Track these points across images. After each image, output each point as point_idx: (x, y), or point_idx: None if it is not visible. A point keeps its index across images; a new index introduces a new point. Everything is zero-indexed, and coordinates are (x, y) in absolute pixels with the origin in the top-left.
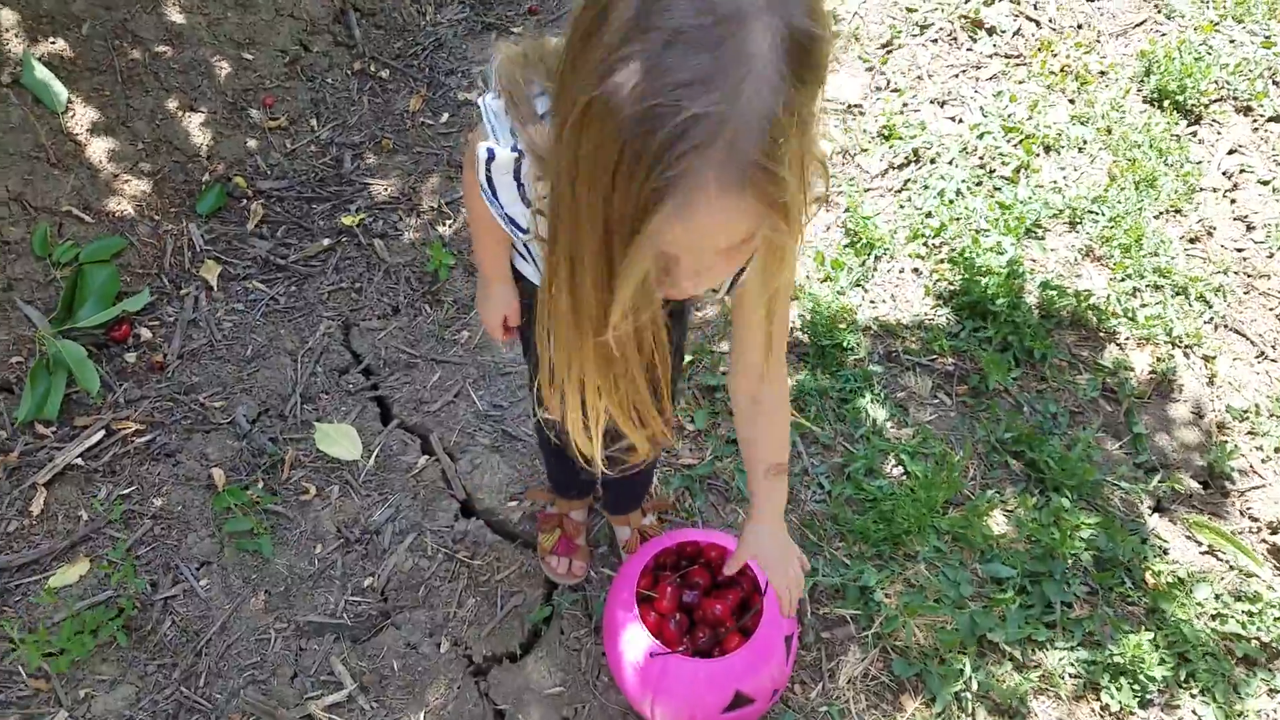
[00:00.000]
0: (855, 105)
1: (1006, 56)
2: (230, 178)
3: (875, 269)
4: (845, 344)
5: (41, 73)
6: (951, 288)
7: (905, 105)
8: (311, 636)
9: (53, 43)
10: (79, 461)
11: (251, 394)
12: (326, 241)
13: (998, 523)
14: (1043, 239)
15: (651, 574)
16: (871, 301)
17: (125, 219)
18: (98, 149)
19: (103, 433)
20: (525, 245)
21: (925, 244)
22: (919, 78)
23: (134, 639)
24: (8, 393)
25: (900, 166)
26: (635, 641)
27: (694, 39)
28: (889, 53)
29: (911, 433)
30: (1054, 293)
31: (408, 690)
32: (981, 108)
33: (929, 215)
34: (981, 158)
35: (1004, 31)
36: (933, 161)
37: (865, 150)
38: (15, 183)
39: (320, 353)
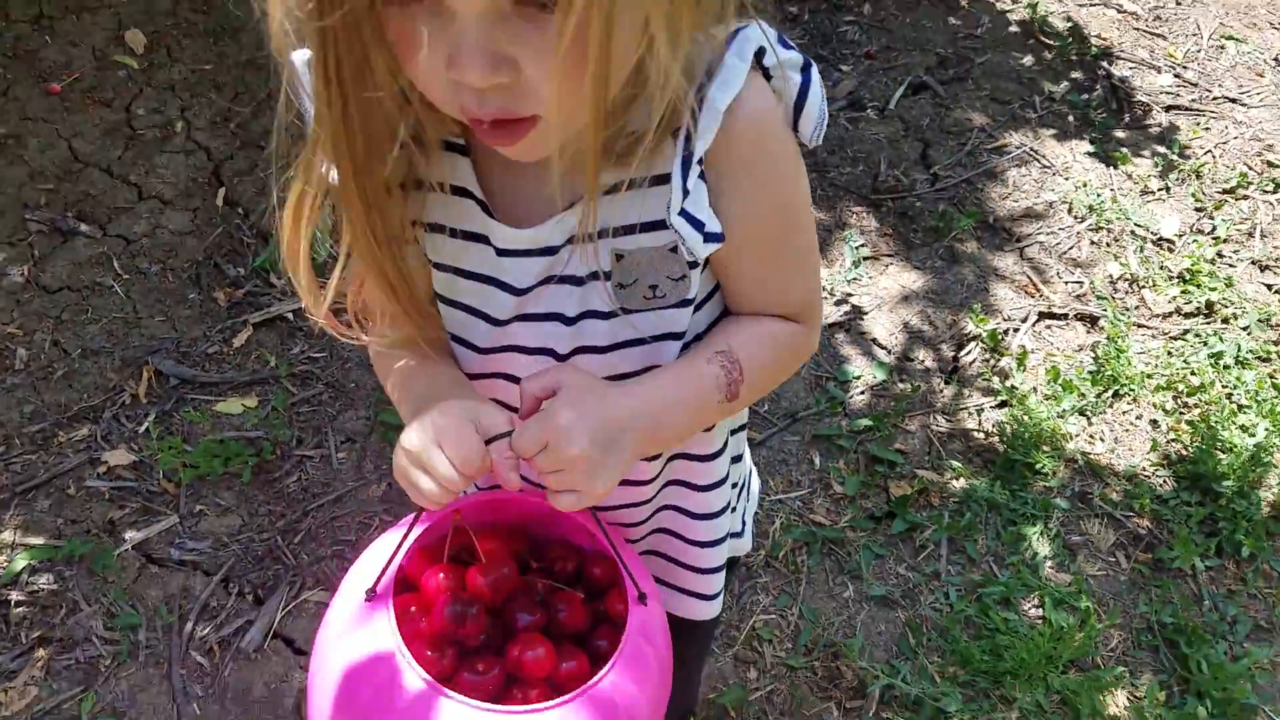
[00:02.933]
0: (1166, 239)
1: None
2: None
3: (1110, 406)
4: (1040, 466)
5: None
6: (1183, 452)
7: (1220, 255)
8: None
9: None
10: (290, 315)
11: None
12: None
13: (1116, 703)
14: None
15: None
16: (1090, 436)
17: None
18: None
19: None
20: None
21: (1176, 399)
22: (1249, 234)
23: (259, 480)
24: (265, 240)
25: (1188, 315)
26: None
27: None
28: (1226, 199)
29: (1068, 580)
30: None
31: None
32: None
33: (1193, 373)
34: None
35: None
36: (1225, 321)
37: (1156, 287)
38: None
39: None
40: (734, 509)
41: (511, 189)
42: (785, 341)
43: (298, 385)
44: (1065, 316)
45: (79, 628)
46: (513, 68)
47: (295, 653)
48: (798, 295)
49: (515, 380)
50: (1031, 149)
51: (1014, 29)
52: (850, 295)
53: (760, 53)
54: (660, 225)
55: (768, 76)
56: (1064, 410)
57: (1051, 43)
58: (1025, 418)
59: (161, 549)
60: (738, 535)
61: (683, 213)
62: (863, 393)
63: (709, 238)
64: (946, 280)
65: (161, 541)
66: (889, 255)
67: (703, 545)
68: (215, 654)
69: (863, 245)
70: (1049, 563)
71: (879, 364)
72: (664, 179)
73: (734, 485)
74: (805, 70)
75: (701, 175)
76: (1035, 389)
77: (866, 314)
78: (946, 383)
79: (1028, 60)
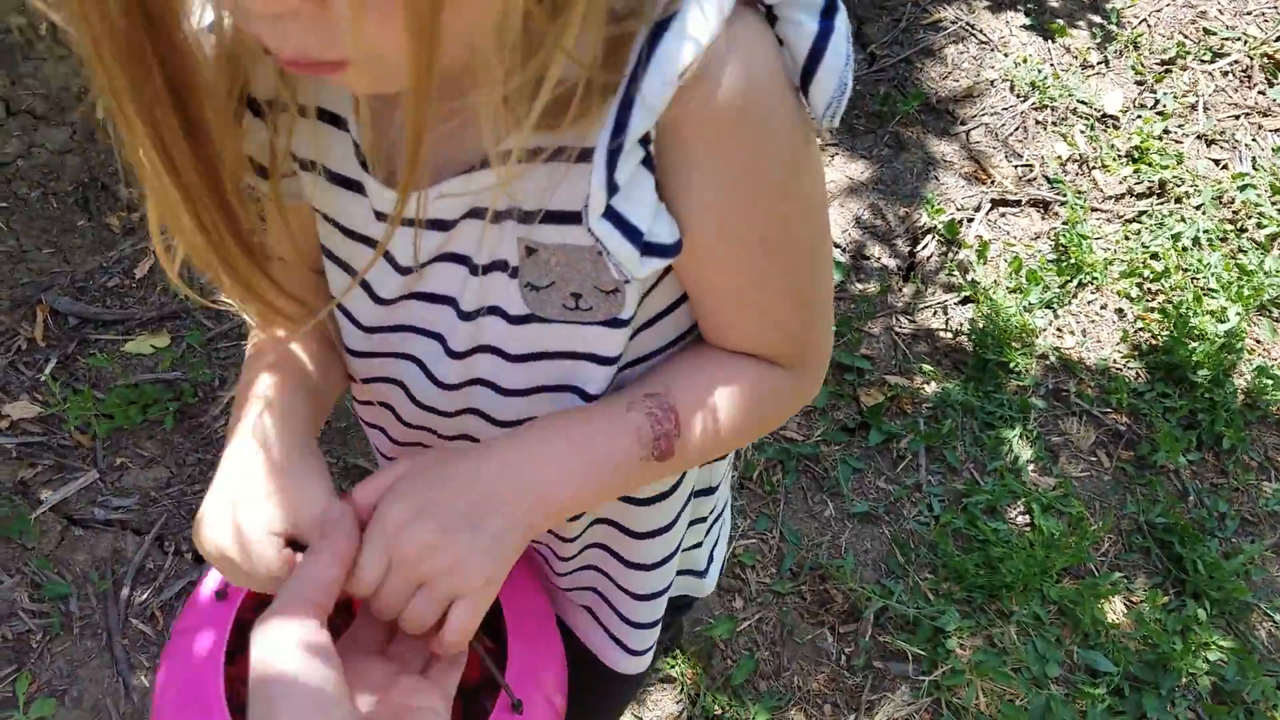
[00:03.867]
0: (1110, 116)
1: None
2: None
3: (1075, 296)
4: (1013, 365)
5: None
6: (1153, 342)
7: (1167, 132)
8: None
9: None
10: None
11: None
12: None
13: (1115, 610)
14: (1278, 321)
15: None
16: (1058, 329)
17: None
18: None
19: None
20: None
21: (1140, 286)
22: (1192, 107)
23: (184, 426)
24: None
25: (1140, 195)
26: None
27: None
28: (1167, 71)
29: (1053, 484)
30: (1270, 382)
31: None
32: (1255, 159)
33: (1154, 256)
34: (1236, 212)
35: None
36: (1178, 200)
37: (1106, 168)
38: None
39: None
40: (698, 545)
41: (396, 128)
42: (757, 391)
43: (212, 319)
44: (1018, 203)
45: (1, 602)
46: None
47: None
48: (789, 331)
49: (415, 361)
50: (967, 23)
51: None
52: None
53: None
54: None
55: (772, 18)
56: (1030, 303)
57: None
58: (993, 314)
59: (84, 509)
60: (699, 574)
61: (609, 213)
62: None
63: (651, 250)
64: (895, 169)
65: (83, 500)
66: (833, 144)
67: (635, 597)
68: (159, 620)
69: None
70: (1031, 466)
71: (834, 263)
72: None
73: (699, 520)
74: (828, 15)
75: (648, 159)
76: (998, 282)
77: None
78: (905, 280)
79: None
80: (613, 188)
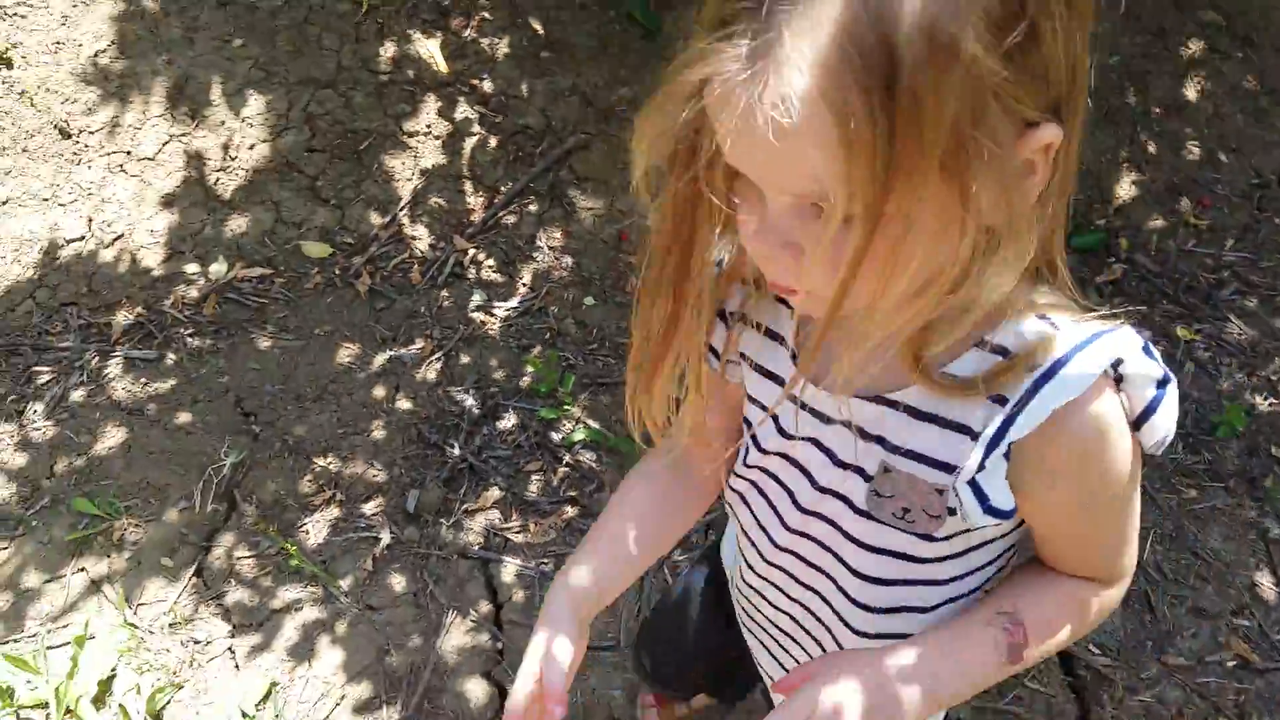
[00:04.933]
0: None
1: None
2: None
3: None
4: None
5: None
6: None
7: None
8: None
9: None
10: None
11: None
12: None
13: None
14: None
15: None
16: None
17: None
18: None
19: None
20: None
21: None
22: None
23: None
24: None
25: None
26: None
27: None
28: None
29: None
30: None
31: None
32: None
33: None
34: None
35: None
36: None
37: None
38: None
39: None
40: None
41: (824, 347)
42: (1085, 605)
43: None
44: None
45: (597, 503)
46: (796, 252)
47: None
48: (1111, 559)
49: (766, 499)
50: None
51: None
52: None
53: (1118, 361)
54: (935, 463)
55: (1118, 378)
56: None
57: None
58: None
59: None
60: None
61: (971, 481)
62: None
63: (991, 511)
64: None
65: None
66: None
67: None
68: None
69: None
70: None
71: None
72: (960, 427)
73: None
74: (1162, 385)
75: (1006, 453)
76: None
77: None
78: None
79: None
80: (981, 467)
